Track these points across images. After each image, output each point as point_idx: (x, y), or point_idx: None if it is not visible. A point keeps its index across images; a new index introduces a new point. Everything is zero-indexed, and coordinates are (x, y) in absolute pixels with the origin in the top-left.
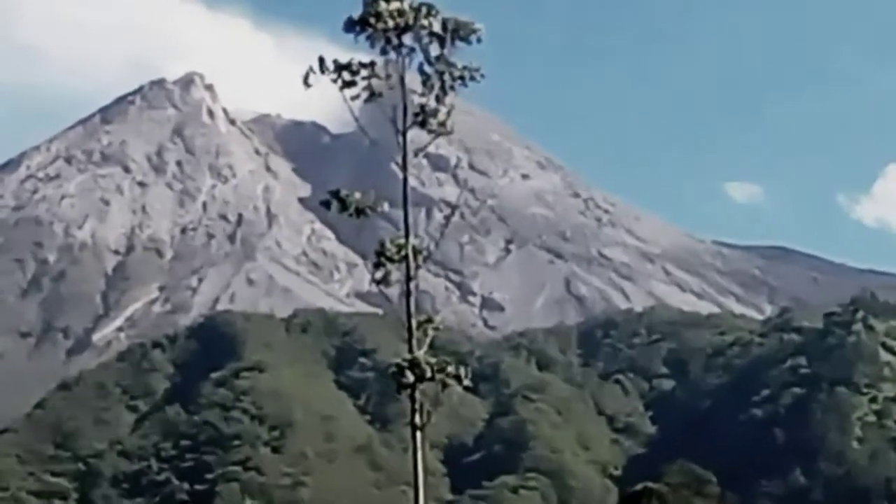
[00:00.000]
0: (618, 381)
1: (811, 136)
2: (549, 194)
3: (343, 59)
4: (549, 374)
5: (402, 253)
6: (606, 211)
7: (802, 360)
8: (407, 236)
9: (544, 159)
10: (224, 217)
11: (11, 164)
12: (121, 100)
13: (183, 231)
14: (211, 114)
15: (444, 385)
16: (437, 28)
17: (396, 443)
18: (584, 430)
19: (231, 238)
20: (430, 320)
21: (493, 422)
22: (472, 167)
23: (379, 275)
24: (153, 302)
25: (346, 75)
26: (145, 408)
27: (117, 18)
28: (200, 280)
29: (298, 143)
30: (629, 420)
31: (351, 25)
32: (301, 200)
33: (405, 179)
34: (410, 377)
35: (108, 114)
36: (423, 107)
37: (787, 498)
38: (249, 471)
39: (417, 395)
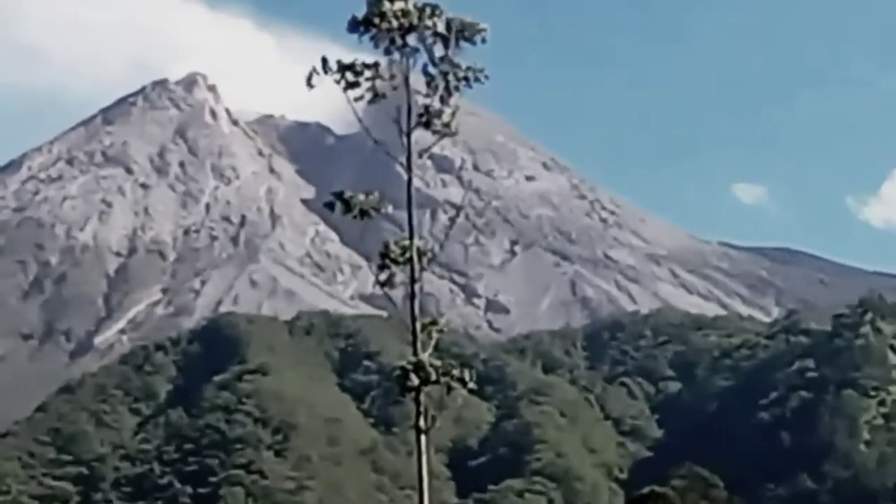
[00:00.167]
0: (624, 384)
1: (819, 137)
2: (555, 196)
3: (347, 60)
4: (554, 377)
5: (407, 255)
6: (612, 212)
7: (810, 363)
8: (411, 238)
9: (550, 160)
10: (227, 219)
11: (13, 165)
12: (122, 100)
13: (185, 233)
14: (214, 114)
15: (449, 388)
16: (441, 28)
17: (401, 446)
18: (590, 433)
19: (234, 240)
20: (434, 323)
21: (499, 425)
22: (476, 168)
23: (383, 277)
24: (156, 304)
25: (350, 76)
26: (148, 411)
27: (118, 18)
28: (203, 282)
29: (302, 144)
30: (635, 423)
31: (355, 25)
32: (305, 202)
33: (409, 181)
34: (415, 380)
35: (109, 114)
36: (427, 108)
37: (795, 501)
38: (253, 474)
39: (422, 398)
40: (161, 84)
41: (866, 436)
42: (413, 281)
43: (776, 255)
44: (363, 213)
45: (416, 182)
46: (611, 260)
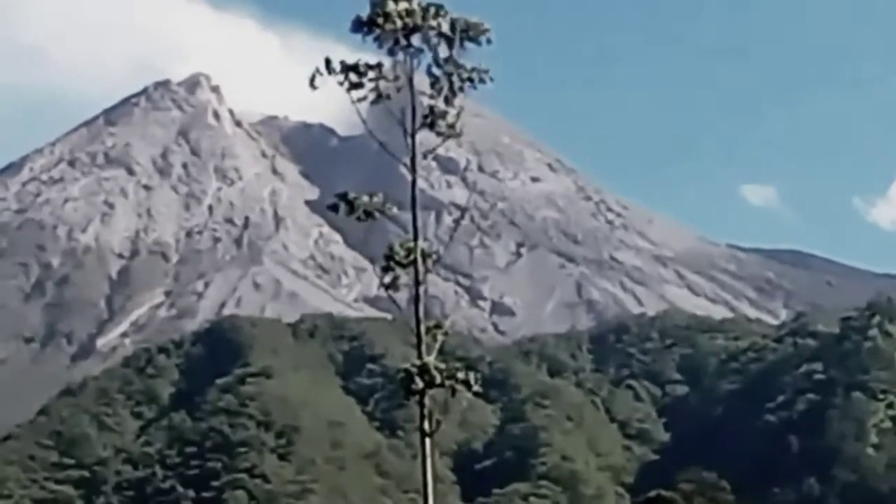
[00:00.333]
0: (630, 387)
1: (827, 138)
2: (560, 197)
3: (351, 60)
4: (560, 380)
5: (411, 257)
6: (618, 214)
7: (818, 366)
8: (416, 240)
9: (555, 162)
10: (230, 220)
11: (14, 167)
12: (125, 101)
13: (188, 234)
14: (217, 115)
15: (454, 391)
16: (445, 29)
17: (405, 449)
18: (596, 436)
19: (237, 242)
20: (439, 325)
21: (504, 428)
22: (481, 170)
23: (387, 279)
24: (158, 307)
25: (353, 77)
26: (150, 414)
27: (121, 18)
28: (206, 284)
29: (306, 145)
30: (642, 426)
31: (359, 26)
32: (308, 203)
33: (414, 182)
34: (419, 383)
35: (112, 115)
36: (431, 109)
37: None
38: (256, 478)
39: (426, 401)
40: (164, 85)
41: (874, 439)
42: (417, 283)
43: (784, 257)
44: (367, 215)
45: (420, 183)
46: (617, 262)
